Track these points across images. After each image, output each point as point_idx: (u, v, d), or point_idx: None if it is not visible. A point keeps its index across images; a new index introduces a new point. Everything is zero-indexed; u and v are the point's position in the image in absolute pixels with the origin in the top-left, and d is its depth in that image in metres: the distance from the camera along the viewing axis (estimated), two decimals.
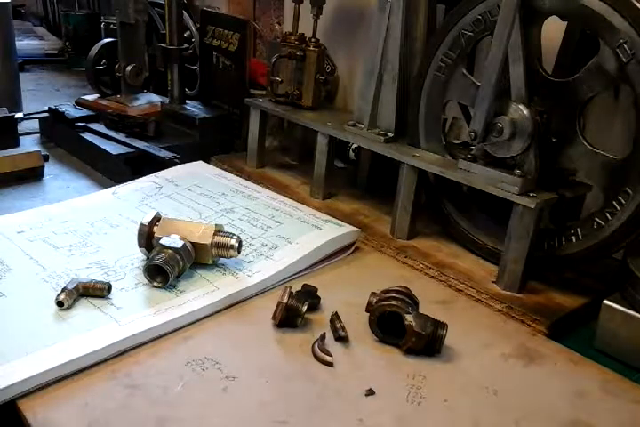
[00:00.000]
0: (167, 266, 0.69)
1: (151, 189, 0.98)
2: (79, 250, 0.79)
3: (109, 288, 0.69)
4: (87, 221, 0.87)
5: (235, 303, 0.72)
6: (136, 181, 1.01)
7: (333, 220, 0.88)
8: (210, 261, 0.76)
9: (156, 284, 0.71)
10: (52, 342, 0.61)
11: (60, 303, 0.66)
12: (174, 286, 0.72)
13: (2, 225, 0.84)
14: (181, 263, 0.72)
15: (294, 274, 0.78)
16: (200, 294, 0.71)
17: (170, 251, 0.71)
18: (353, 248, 0.86)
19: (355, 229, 0.87)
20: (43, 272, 0.73)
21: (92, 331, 0.63)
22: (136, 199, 0.94)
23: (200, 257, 0.75)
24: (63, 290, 0.67)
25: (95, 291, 0.68)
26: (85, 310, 0.66)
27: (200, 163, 1.09)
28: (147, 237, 0.75)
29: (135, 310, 0.67)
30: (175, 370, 0.60)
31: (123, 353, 0.62)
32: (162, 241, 0.72)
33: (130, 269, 0.75)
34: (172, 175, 1.03)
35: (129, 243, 0.78)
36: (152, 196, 0.96)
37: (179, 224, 0.76)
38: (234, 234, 0.76)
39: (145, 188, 0.98)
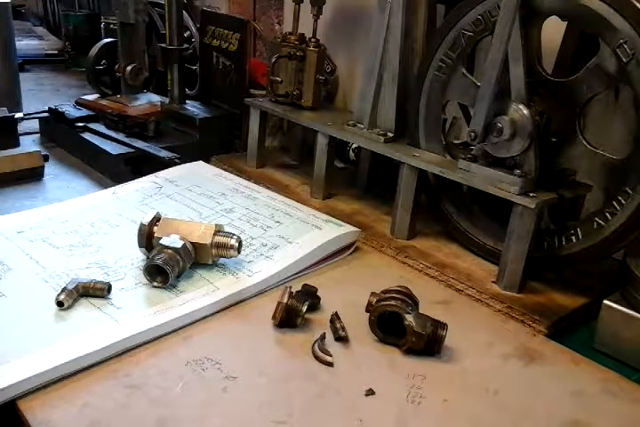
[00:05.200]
0: (167, 266, 0.69)
1: (151, 189, 0.98)
2: (79, 250, 0.79)
3: (109, 288, 0.69)
4: (87, 221, 0.87)
5: (235, 303, 0.72)
6: (136, 181, 1.01)
7: (333, 220, 0.88)
8: (210, 261, 0.76)
9: (156, 284, 0.71)
10: (52, 342, 0.61)
11: (60, 303, 0.66)
12: (174, 286, 0.72)
13: (2, 225, 0.84)
14: (181, 263, 0.72)
15: (294, 274, 0.78)
16: (200, 294, 0.71)
17: (170, 251, 0.71)
18: (353, 248, 0.86)
19: (355, 229, 0.87)
20: (43, 272, 0.73)
21: (92, 331, 0.63)
22: (136, 199, 0.94)
23: (200, 257, 0.75)
24: (63, 290, 0.67)
25: (95, 291, 0.68)
26: (85, 310, 0.66)
27: (200, 163, 1.09)
28: (147, 237, 0.75)
29: (135, 309, 0.67)
30: (175, 370, 0.60)
31: (123, 353, 0.62)
32: (162, 241, 0.72)
33: (130, 269, 0.75)
34: (172, 175, 1.03)
35: (129, 243, 0.78)
36: (152, 196, 0.96)
37: (179, 224, 0.76)
38: (234, 234, 0.76)
39: (145, 188, 0.98)
